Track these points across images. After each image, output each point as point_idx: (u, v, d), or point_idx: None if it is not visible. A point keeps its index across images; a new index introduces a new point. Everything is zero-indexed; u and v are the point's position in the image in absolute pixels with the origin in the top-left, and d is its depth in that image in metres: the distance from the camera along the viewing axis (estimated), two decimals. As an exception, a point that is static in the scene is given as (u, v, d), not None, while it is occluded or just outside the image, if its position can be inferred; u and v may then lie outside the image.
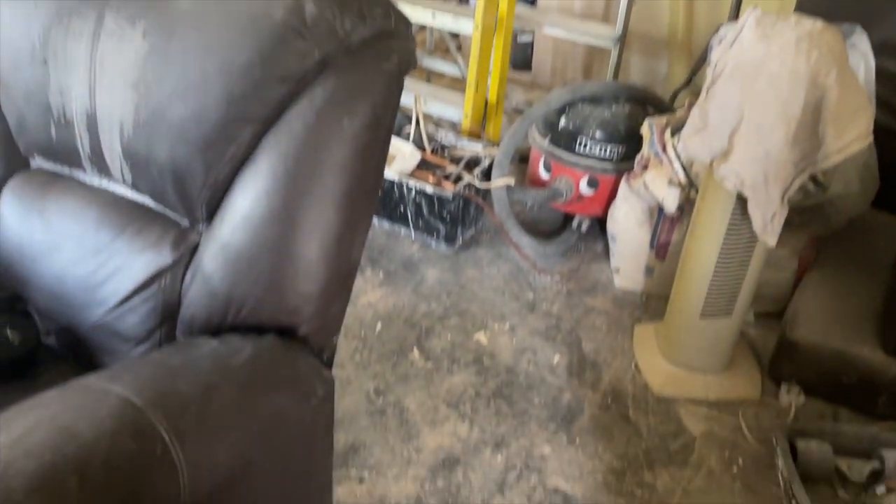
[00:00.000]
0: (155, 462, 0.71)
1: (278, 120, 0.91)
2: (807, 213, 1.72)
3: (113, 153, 1.00)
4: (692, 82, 2.38)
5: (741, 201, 1.41)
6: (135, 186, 1.04)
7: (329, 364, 1.06)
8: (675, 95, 2.42)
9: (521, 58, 3.21)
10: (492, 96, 2.47)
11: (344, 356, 1.79)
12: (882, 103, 1.71)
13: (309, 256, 0.92)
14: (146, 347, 1.01)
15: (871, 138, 1.29)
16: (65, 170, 1.11)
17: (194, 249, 0.99)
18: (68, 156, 1.08)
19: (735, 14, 2.33)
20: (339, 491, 1.44)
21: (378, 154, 0.98)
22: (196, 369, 0.84)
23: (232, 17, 0.89)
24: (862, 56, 1.67)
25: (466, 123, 2.44)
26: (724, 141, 1.35)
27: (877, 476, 1.40)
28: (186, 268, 0.99)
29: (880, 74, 1.71)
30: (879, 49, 1.73)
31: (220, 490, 0.80)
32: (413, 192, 2.10)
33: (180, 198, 0.98)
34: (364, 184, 0.96)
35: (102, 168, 1.05)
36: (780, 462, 1.44)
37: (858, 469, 1.42)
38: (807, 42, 1.28)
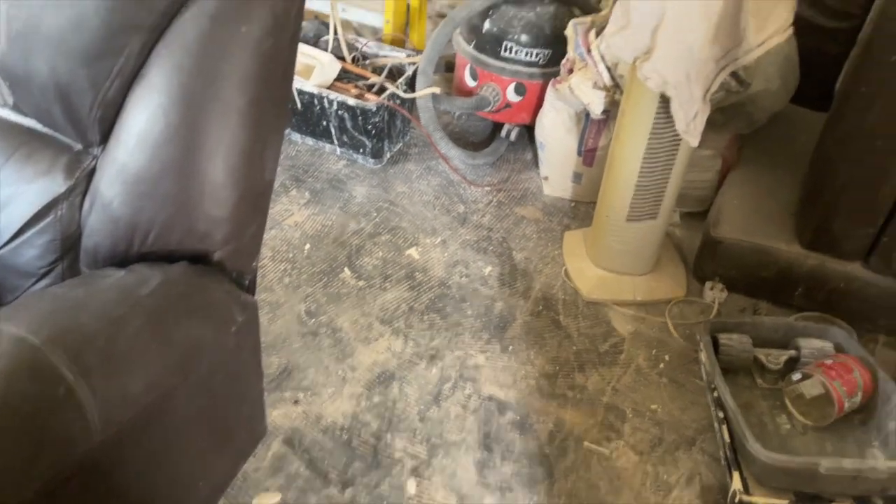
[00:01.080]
0: (58, 403, 0.67)
1: (168, 28, 0.84)
2: (728, 112, 1.72)
3: (-13, 71, 0.91)
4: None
5: (664, 101, 1.40)
6: (17, 108, 0.95)
7: (251, 289, 1.02)
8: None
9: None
10: (413, 0, 2.36)
11: (272, 279, 1.74)
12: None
13: (215, 176, 0.86)
14: (48, 282, 0.95)
15: (791, 31, 1.28)
16: (-63, 93, 1.01)
17: (91, 174, 0.92)
18: (-62, 77, 0.98)
19: None
20: (274, 414, 1.43)
21: (284, 62, 0.91)
22: (100, 301, 0.79)
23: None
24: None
25: (388, 30, 2.33)
26: (646, 38, 1.32)
27: (793, 363, 1.47)
28: (84, 195, 0.92)
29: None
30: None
31: (139, 423, 0.77)
32: (335, 106, 2.02)
33: (69, 119, 0.90)
34: (270, 95, 0.90)
35: (-22, 89, 0.95)
36: (703, 356, 1.50)
37: (776, 358, 1.48)
38: (728, -68, 1.25)
